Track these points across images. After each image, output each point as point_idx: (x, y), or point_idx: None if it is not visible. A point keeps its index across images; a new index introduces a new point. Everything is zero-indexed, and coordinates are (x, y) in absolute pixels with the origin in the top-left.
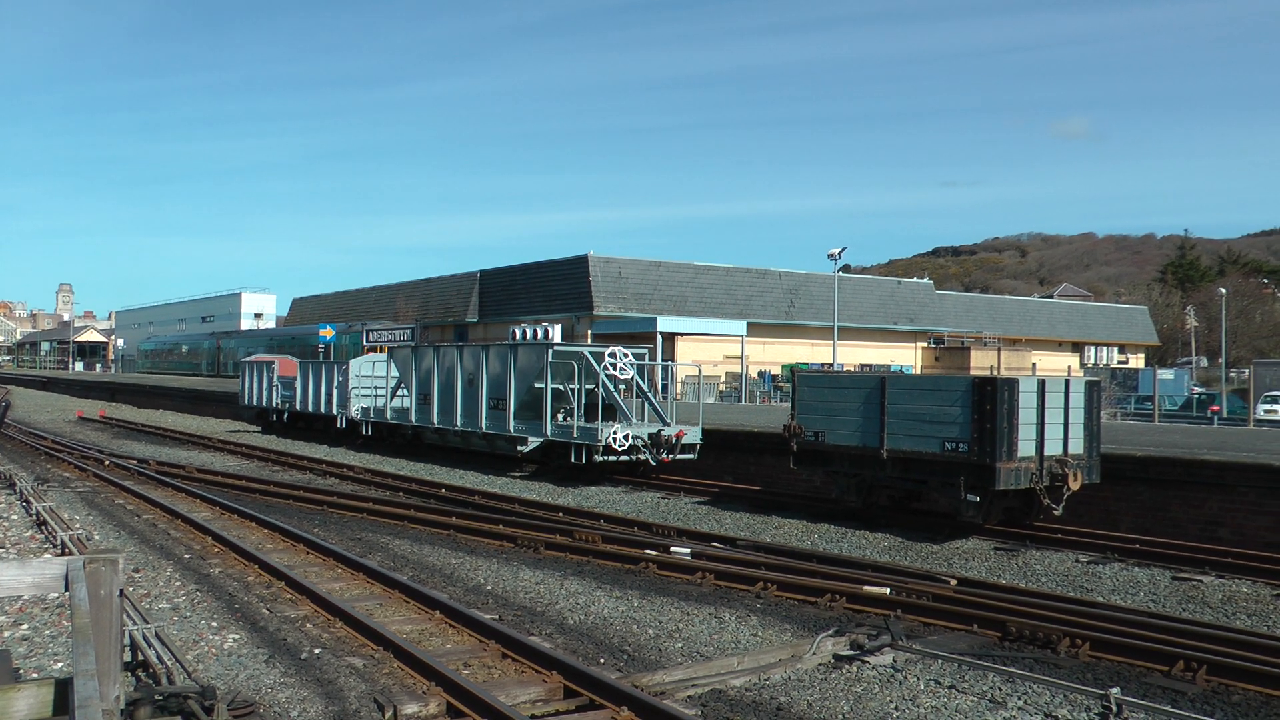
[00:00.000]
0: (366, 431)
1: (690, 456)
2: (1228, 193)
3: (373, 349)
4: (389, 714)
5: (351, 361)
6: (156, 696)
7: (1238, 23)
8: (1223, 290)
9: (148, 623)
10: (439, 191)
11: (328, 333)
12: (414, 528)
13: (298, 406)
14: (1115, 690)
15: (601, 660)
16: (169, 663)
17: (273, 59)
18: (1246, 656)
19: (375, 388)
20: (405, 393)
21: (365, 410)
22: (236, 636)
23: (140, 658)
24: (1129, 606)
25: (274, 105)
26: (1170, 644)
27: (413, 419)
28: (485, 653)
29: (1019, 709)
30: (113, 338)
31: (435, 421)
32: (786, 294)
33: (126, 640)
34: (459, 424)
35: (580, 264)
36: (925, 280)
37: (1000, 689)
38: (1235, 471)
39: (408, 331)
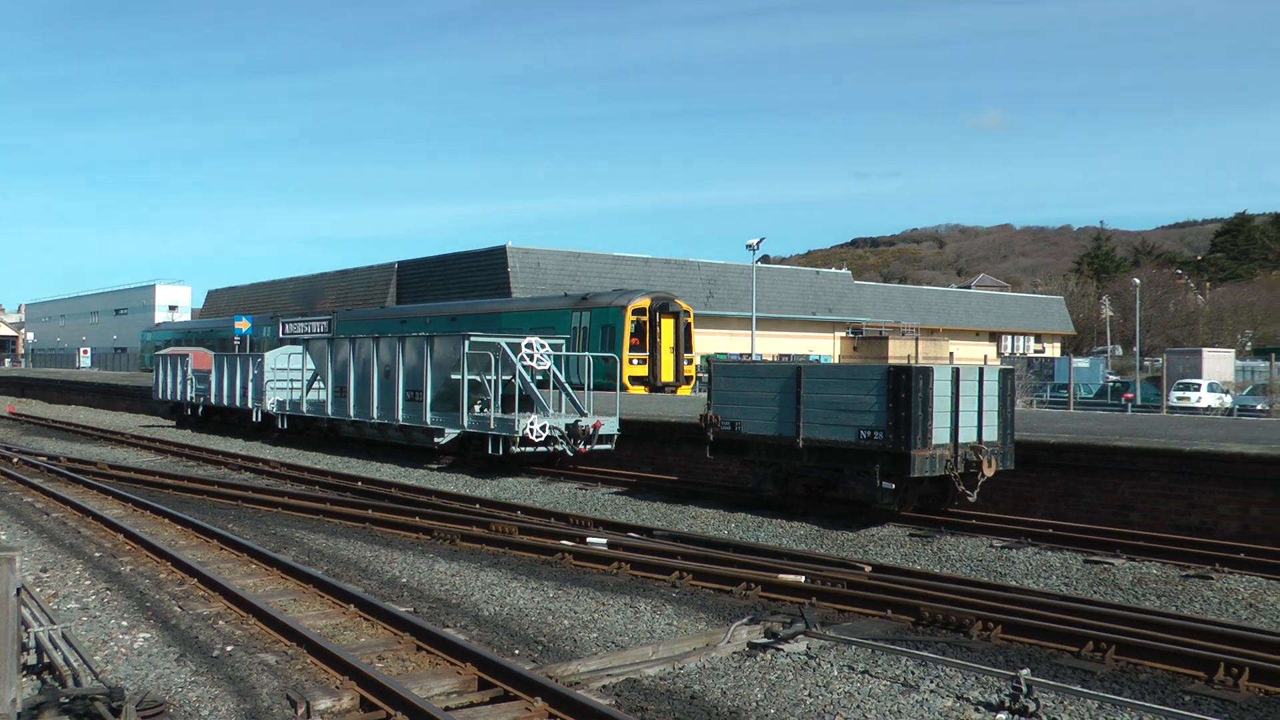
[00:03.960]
0: (282, 425)
1: (608, 447)
2: (1142, 186)
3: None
4: (301, 710)
5: (267, 354)
6: (62, 699)
7: (1148, 19)
8: (1137, 281)
9: (54, 623)
10: (359, 181)
11: (243, 325)
12: (330, 521)
13: (213, 400)
14: (1025, 671)
15: (516, 651)
16: (76, 664)
17: (185, 46)
18: (1154, 636)
19: (291, 380)
20: (321, 385)
21: (281, 403)
22: (147, 635)
23: (46, 660)
24: (1041, 590)
25: (187, 93)
26: (1081, 625)
27: (329, 411)
28: (400, 645)
29: (931, 692)
30: (22, 331)
31: (352, 414)
32: (705, 284)
33: (31, 642)
34: (375, 416)
35: (499, 255)
36: (843, 271)
37: (913, 673)
38: (1146, 457)
39: (324, 323)
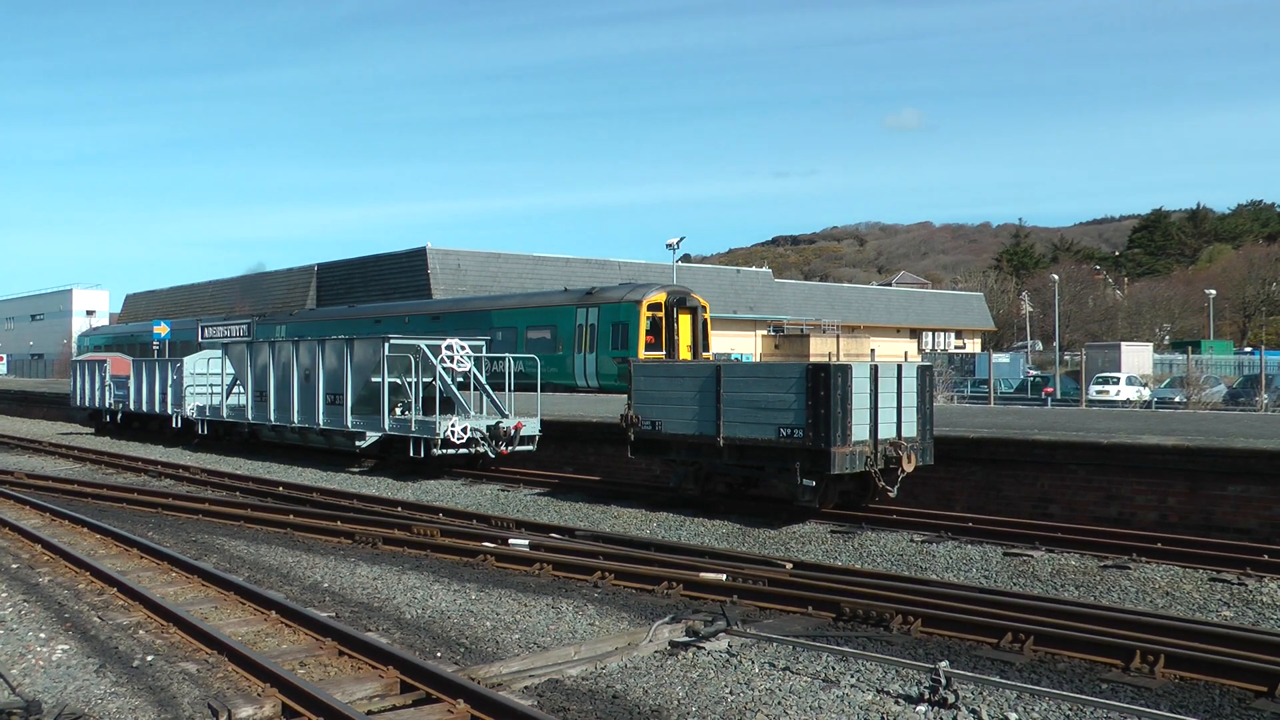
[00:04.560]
0: (202, 431)
1: (529, 448)
2: (1060, 184)
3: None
4: (223, 718)
5: (186, 359)
6: None
7: (1063, 19)
8: (1056, 277)
9: None
10: (277, 183)
11: (162, 329)
12: (251, 528)
13: (132, 406)
14: (944, 664)
15: (439, 654)
16: None
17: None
18: (1072, 626)
19: (211, 385)
20: (241, 390)
21: (201, 409)
22: (66, 647)
23: None
24: (961, 583)
25: (101, 92)
26: (1000, 617)
27: (249, 416)
28: (322, 651)
29: (851, 687)
30: None
31: (272, 418)
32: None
33: None
34: (296, 420)
35: (419, 256)
36: (764, 269)
37: (834, 668)
38: (1065, 450)
39: (244, 326)
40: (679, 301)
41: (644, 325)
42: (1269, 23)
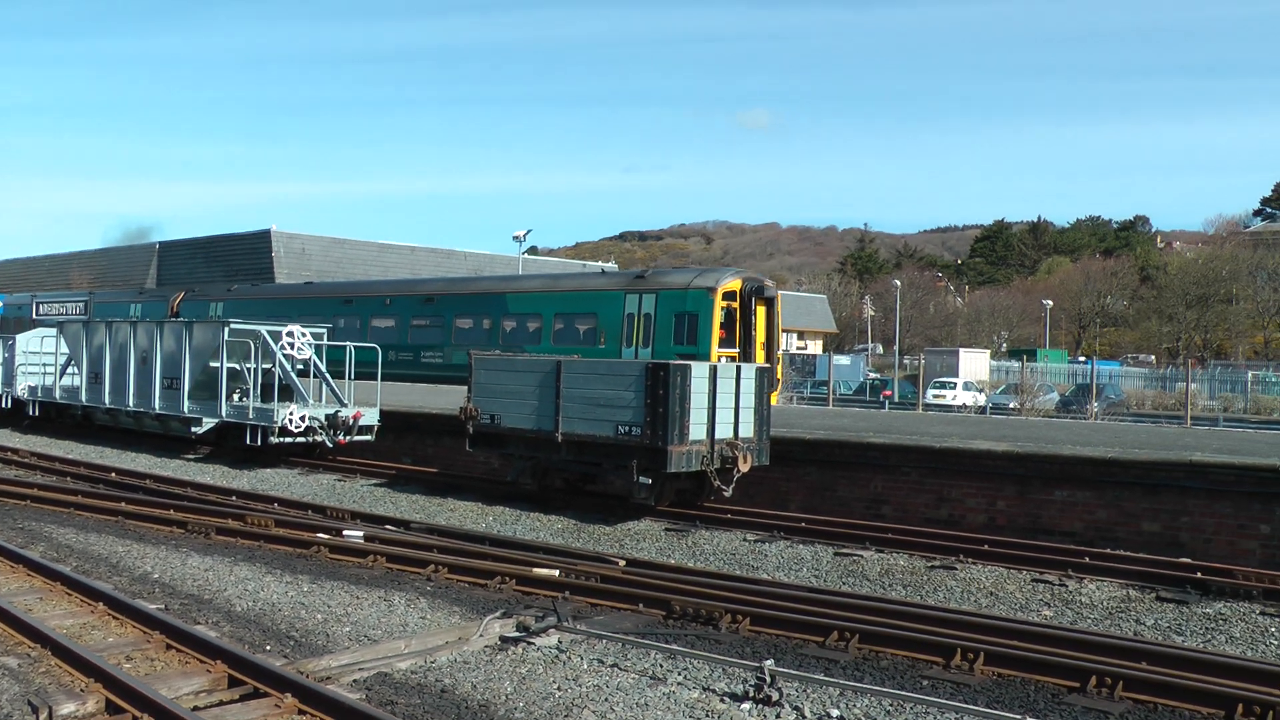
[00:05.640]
0: (33, 412)
1: (368, 438)
2: (906, 190)
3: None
4: (44, 716)
5: (18, 336)
6: None
7: (914, 31)
8: (898, 282)
9: None
10: (121, 157)
11: None
12: (81, 515)
13: None
14: (769, 662)
15: (269, 647)
16: None
17: None
18: (896, 625)
19: (45, 365)
20: (75, 370)
21: (33, 389)
22: None
23: None
24: (791, 582)
25: None
26: (827, 616)
27: (83, 398)
28: (149, 644)
29: (678, 684)
30: None
31: (107, 401)
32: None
33: None
34: (131, 404)
35: (263, 239)
36: (610, 264)
37: (661, 666)
38: (899, 453)
39: (81, 304)
40: (756, 290)
41: (718, 317)
42: (1113, 44)
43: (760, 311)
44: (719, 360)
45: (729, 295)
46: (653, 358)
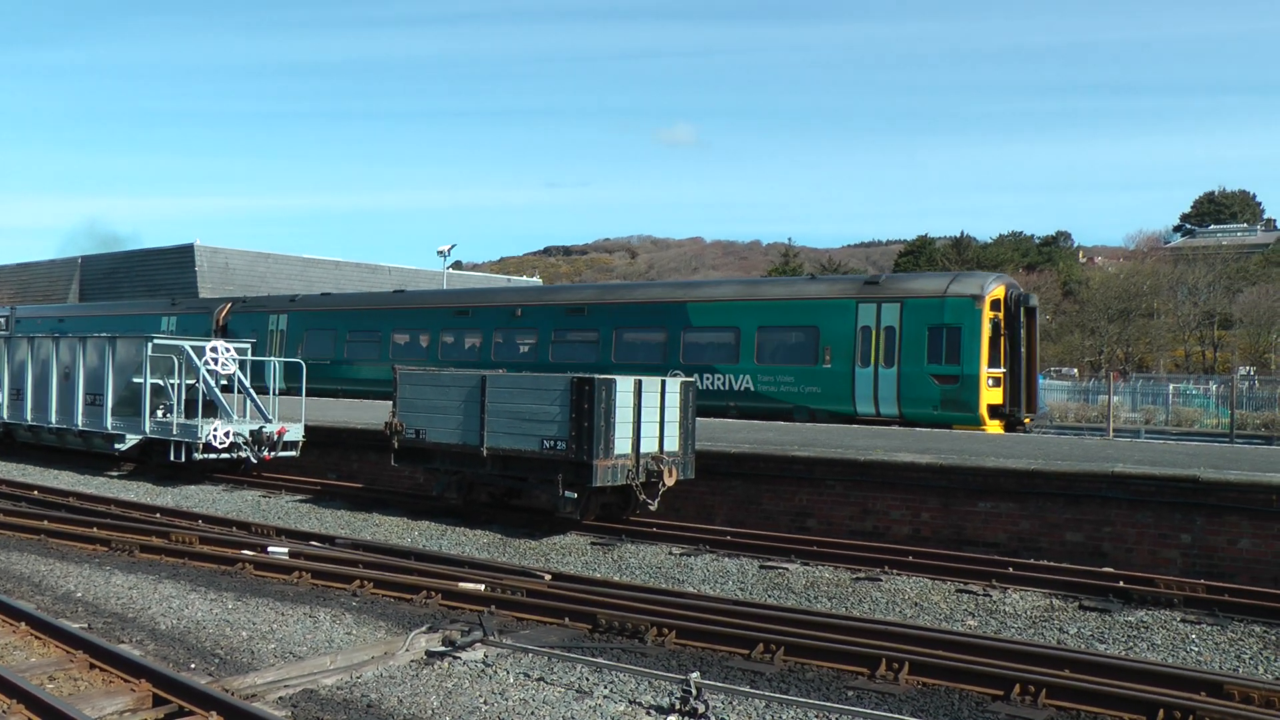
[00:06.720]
0: None
1: (293, 454)
2: (829, 205)
3: None
4: None
5: None
6: None
7: (834, 48)
8: None
9: None
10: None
11: None
12: (2, 534)
13: None
14: (695, 674)
15: (193, 665)
16: None
17: None
18: (822, 637)
19: None
20: None
21: None
22: None
23: None
24: (716, 595)
25: None
26: (753, 628)
27: (3, 415)
28: (73, 664)
29: (604, 697)
30: None
31: (28, 418)
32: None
33: None
34: (54, 420)
35: (186, 253)
36: (535, 279)
37: (588, 679)
38: (824, 466)
39: (1, 320)
40: (1022, 298)
41: (986, 330)
42: (1035, 62)
43: (1030, 324)
44: (985, 382)
45: (995, 304)
46: (898, 379)
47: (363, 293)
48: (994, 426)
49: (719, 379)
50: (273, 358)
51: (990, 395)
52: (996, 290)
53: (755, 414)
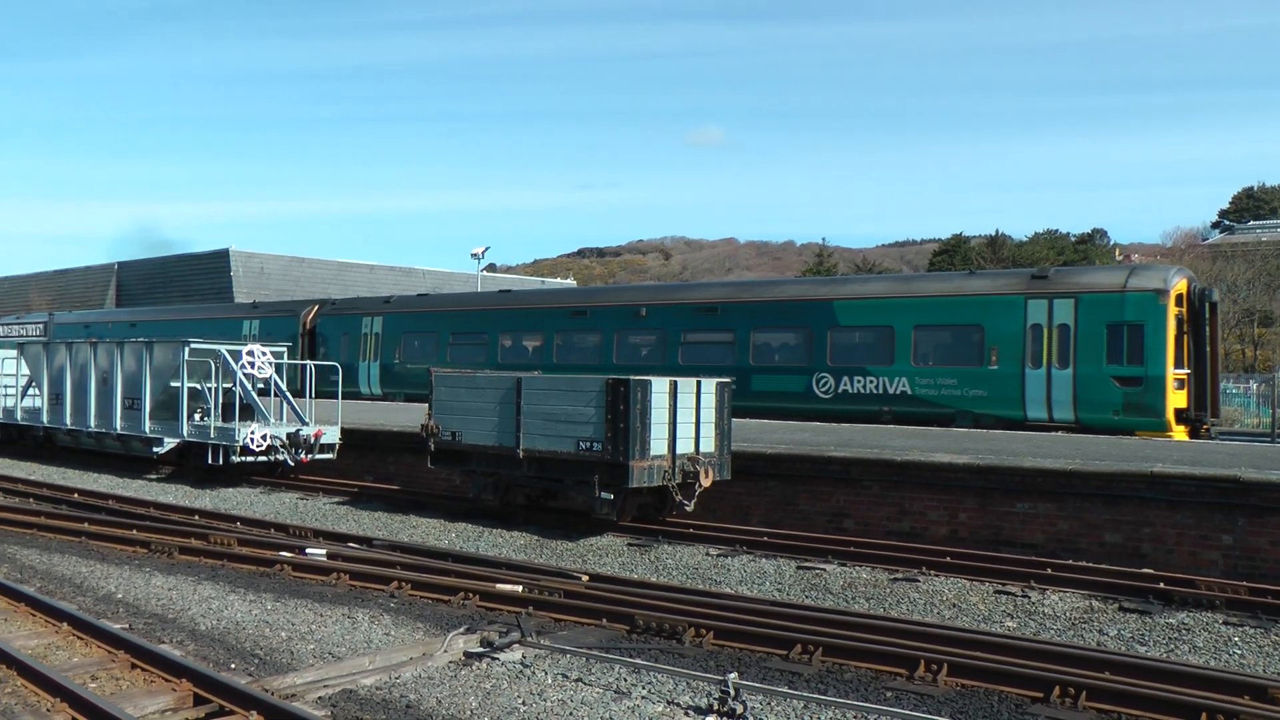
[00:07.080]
0: None
1: (329, 456)
2: (863, 205)
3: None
4: None
5: None
6: None
7: (868, 47)
8: None
9: None
10: (73, 177)
11: None
12: (44, 535)
13: None
14: (733, 675)
15: (233, 665)
16: None
17: None
18: (859, 637)
19: (5, 386)
20: (36, 391)
21: None
22: None
23: None
24: (754, 596)
25: None
26: (790, 629)
27: (44, 420)
28: (114, 664)
29: (643, 698)
30: None
31: (68, 422)
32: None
33: None
34: (93, 425)
35: (221, 258)
36: (569, 280)
37: (626, 680)
38: (860, 467)
39: (40, 326)
40: (1204, 293)
41: (1172, 328)
42: (1069, 59)
43: (1213, 321)
44: (1171, 384)
45: (1178, 299)
46: (1074, 381)
47: (466, 293)
48: (1179, 433)
49: (871, 381)
50: (315, 361)
51: (1176, 399)
52: (1180, 284)
53: (912, 419)
